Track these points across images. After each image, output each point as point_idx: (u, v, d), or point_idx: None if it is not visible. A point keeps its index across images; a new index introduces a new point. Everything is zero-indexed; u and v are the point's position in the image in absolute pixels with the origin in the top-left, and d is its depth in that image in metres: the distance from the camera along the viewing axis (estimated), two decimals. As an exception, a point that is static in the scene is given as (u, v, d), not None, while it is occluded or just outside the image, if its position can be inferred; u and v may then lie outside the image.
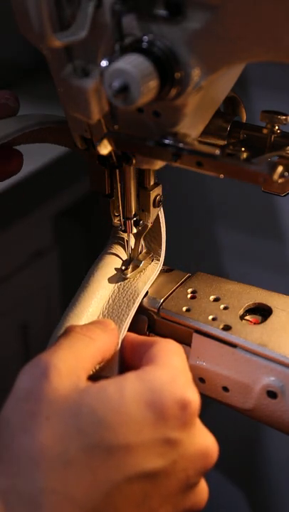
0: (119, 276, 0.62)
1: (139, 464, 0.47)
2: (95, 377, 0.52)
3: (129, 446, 0.46)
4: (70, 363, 0.49)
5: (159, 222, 0.64)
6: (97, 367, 0.53)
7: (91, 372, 0.51)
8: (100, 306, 0.59)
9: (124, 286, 0.61)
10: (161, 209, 0.64)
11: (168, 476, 0.48)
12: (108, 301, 0.60)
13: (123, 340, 0.56)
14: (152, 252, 0.64)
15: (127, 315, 0.58)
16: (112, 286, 0.61)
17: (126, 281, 0.61)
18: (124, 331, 0.57)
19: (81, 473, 0.46)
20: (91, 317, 0.58)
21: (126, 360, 0.55)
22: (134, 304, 0.59)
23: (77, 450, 0.46)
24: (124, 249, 0.64)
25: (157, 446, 0.47)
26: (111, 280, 0.61)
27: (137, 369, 0.53)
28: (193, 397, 0.49)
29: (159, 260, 0.64)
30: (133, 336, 0.57)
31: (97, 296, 0.60)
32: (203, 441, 0.50)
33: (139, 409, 0.47)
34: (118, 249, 0.64)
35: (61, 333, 0.53)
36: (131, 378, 0.49)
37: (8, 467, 0.46)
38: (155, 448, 0.47)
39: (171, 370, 0.50)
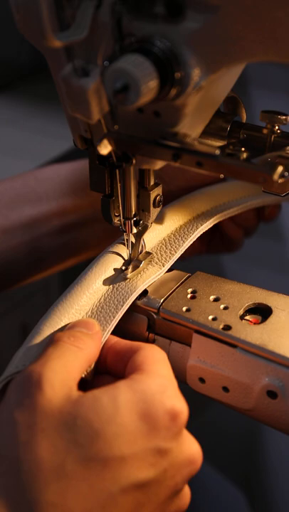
0: (119, 276, 0.62)
1: (132, 474, 0.47)
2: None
3: (124, 457, 0.47)
4: (62, 374, 0.49)
5: (186, 239, 0.65)
6: (84, 374, 0.53)
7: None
8: (91, 302, 0.59)
9: (120, 286, 0.61)
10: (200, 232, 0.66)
11: (159, 484, 0.49)
12: (100, 299, 0.60)
13: (106, 343, 0.56)
14: (156, 258, 0.64)
15: (114, 316, 0.58)
16: (108, 284, 0.61)
17: (123, 281, 0.61)
18: (108, 332, 0.57)
19: (78, 485, 0.46)
20: (80, 311, 0.58)
21: (108, 364, 0.55)
22: (122, 305, 0.59)
23: (73, 463, 0.46)
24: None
25: (149, 457, 0.48)
26: (109, 278, 0.61)
27: (120, 374, 0.54)
28: (183, 408, 0.50)
29: (161, 266, 0.63)
30: (116, 339, 0.56)
31: (90, 292, 0.59)
32: (190, 449, 0.51)
33: (133, 421, 0.48)
34: (119, 249, 0.64)
35: (48, 342, 0.53)
36: (123, 389, 0.49)
37: (5, 480, 0.46)
38: (147, 458, 0.48)
39: (160, 380, 0.50)
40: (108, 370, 0.55)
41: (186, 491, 0.53)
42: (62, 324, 0.56)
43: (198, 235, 0.66)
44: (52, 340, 0.53)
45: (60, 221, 0.78)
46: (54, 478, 0.46)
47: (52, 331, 0.56)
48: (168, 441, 0.49)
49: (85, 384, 0.53)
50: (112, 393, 0.48)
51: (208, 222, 0.67)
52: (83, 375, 0.53)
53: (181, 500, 0.52)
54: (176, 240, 0.66)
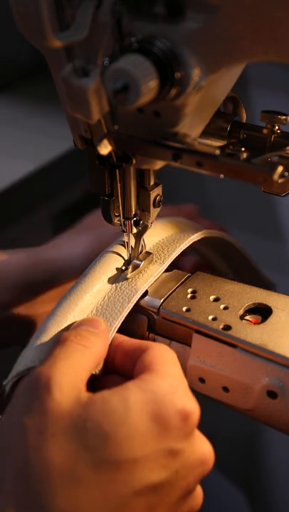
0: (119, 275, 0.62)
1: (145, 477, 0.47)
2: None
3: (136, 459, 0.46)
4: (70, 375, 0.49)
5: (182, 241, 0.65)
6: (94, 371, 0.53)
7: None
8: (95, 301, 0.59)
9: (122, 285, 0.61)
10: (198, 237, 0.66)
11: (171, 485, 0.48)
12: (104, 298, 0.60)
13: (113, 341, 0.56)
14: (155, 257, 0.64)
15: (120, 314, 0.58)
16: (110, 284, 0.61)
17: (125, 281, 0.61)
18: (114, 330, 0.57)
19: (90, 490, 0.45)
20: (84, 310, 0.58)
21: (116, 363, 0.55)
22: (128, 303, 0.59)
23: (85, 467, 0.45)
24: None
25: (161, 458, 0.47)
26: (110, 278, 0.61)
27: (128, 373, 0.53)
28: (194, 408, 0.49)
29: (161, 264, 0.63)
30: (124, 338, 0.56)
31: (93, 291, 0.59)
32: (202, 449, 0.50)
33: (144, 422, 0.47)
34: (120, 249, 0.64)
35: (55, 342, 0.53)
36: (133, 389, 0.48)
37: (16, 486, 0.45)
38: (159, 460, 0.47)
39: (170, 380, 0.50)
40: (116, 369, 0.55)
41: (199, 491, 0.52)
42: (69, 322, 0.56)
43: (196, 239, 0.66)
44: (59, 340, 0.52)
45: None
46: (65, 483, 0.45)
47: (58, 330, 0.56)
48: (179, 441, 0.48)
49: (94, 382, 0.52)
50: (122, 394, 0.48)
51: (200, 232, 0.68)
52: (93, 373, 0.52)
53: (194, 501, 0.52)
54: (174, 242, 0.66)
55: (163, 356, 0.52)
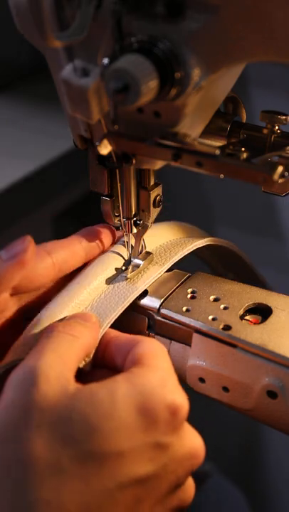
0: (119, 275, 0.62)
1: (131, 470, 0.46)
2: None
3: (121, 452, 0.46)
4: (57, 366, 0.49)
5: (185, 247, 0.65)
6: (81, 364, 0.53)
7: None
8: (91, 298, 0.59)
9: (120, 284, 0.61)
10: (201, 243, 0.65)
11: (158, 479, 0.48)
12: (100, 295, 0.60)
13: (105, 336, 0.56)
14: (156, 259, 0.64)
15: (114, 311, 0.58)
16: (108, 282, 0.61)
17: (124, 280, 0.61)
18: (106, 326, 0.56)
19: (74, 482, 0.45)
20: (79, 305, 0.58)
21: (106, 357, 0.55)
22: (124, 301, 0.59)
23: (69, 459, 0.45)
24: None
25: (148, 452, 0.47)
26: (109, 277, 0.61)
27: (119, 367, 0.53)
28: (183, 402, 0.49)
29: (161, 266, 0.63)
30: (116, 333, 0.56)
31: (91, 287, 0.59)
32: (192, 442, 0.50)
33: (131, 415, 0.47)
34: (120, 249, 0.64)
35: (42, 332, 0.53)
36: (121, 382, 0.48)
37: (1, 479, 0.45)
38: (146, 453, 0.47)
39: (160, 373, 0.49)
40: (106, 363, 0.55)
41: (190, 484, 0.52)
42: (61, 316, 0.56)
43: (200, 246, 0.66)
44: (47, 331, 0.52)
45: None
46: (50, 475, 0.45)
47: (51, 322, 0.56)
48: (168, 435, 0.48)
49: (82, 376, 0.52)
50: (109, 387, 0.48)
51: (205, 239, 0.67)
52: (80, 365, 0.52)
53: (184, 494, 0.51)
54: (178, 245, 0.66)
55: (153, 350, 0.52)
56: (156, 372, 0.49)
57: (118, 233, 0.65)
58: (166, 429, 0.48)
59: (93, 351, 0.54)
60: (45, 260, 0.59)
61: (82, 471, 0.45)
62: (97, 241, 0.62)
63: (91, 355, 0.54)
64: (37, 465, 0.45)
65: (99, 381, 0.49)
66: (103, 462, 0.46)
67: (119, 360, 0.53)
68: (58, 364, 0.49)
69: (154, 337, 0.61)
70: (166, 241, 0.67)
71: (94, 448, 0.46)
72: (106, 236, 0.63)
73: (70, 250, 0.60)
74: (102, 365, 0.55)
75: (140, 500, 0.47)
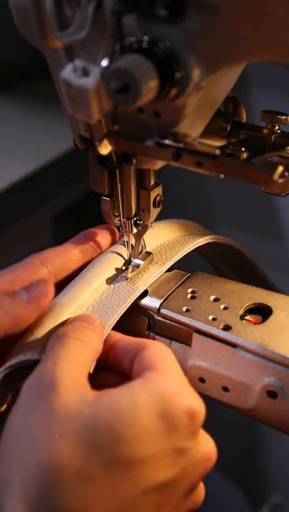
0: (119, 275, 0.62)
1: (153, 476, 0.46)
2: None
3: (145, 459, 0.46)
4: (73, 373, 0.49)
5: (185, 246, 0.65)
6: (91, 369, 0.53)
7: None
8: (92, 299, 0.59)
9: (121, 284, 0.61)
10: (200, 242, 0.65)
11: (177, 483, 0.48)
12: (101, 296, 0.60)
13: (108, 338, 0.56)
14: (156, 258, 0.64)
15: (116, 312, 0.58)
16: (109, 282, 0.61)
17: (124, 280, 0.61)
18: (109, 328, 0.57)
19: (101, 490, 0.45)
20: (81, 307, 0.58)
21: (110, 359, 0.55)
22: (125, 302, 0.59)
23: (95, 467, 0.45)
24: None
25: (169, 457, 0.47)
26: (110, 277, 0.61)
27: (126, 370, 0.53)
28: (201, 406, 0.49)
29: (161, 265, 0.63)
30: (119, 335, 0.56)
31: (92, 288, 0.59)
32: (206, 446, 0.50)
33: (152, 421, 0.47)
34: (120, 249, 0.64)
35: (54, 338, 0.53)
36: (140, 389, 0.48)
37: (26, 488, 0.45)
38: (167, 459, 0.47)
39: (175, 378, 0.50)
40: (110, 365, 0.55)
41: (201, 487, 0.52)
42: (64, 318, 0.56)
43: (200, 244, 0.66)
44: (57, 337, 0.52)
45: None
46: (76, 484, 0.45)
47: (53, 325, 0.56)
48: (187, 440, 0.48)
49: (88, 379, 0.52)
50: (129, 394, 0.48)
51: (206, 237, 0.67)
52: (90, 371, 0.53)
53: (197, 496, 0.52)
54: (178, 244, 0.66)
55: (162, 354, 0.52)
56: (171, 377, 0.50)
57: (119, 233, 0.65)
58: (186, 434, 0.48)
59: (99, 355, 0.54)
60: (40, 270, 0.59)
61: (109, 478, 0.45)
62: (94, 244, 0.62)
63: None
64: (64, 474, 0.45)
65: (103, 384, 0.49)
66: (128, 469, 0.46)
67: (125, 363, 0.54)
68: (74, 371, 0.49)
69: (154, 337, 0.61)
70: (166, 240, 0.67)
71: (119, 455, 0.46)
72: (104, 238, 0.63)
73: (66, 257, 0.60)
74: (106, 367, 0.55)
75: (161, 505, 0.48)
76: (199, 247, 0.67)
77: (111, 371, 0.55)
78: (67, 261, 0.60)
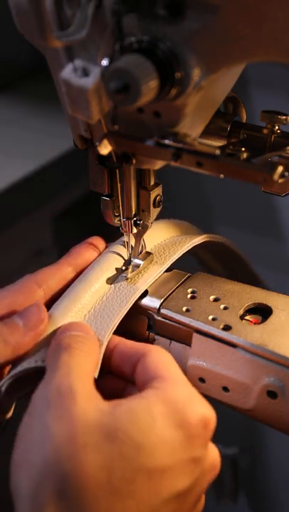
0: (119, 276, 0.62)
1: (173, 485, 0.47)
2: None
3: (165, 468, 0.47)
4: (86, 383, 0.49)
5: (184, 244, 0.65)
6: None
7: None
8: (93, 301, 0.59)
9: (121, 285, 0.61)
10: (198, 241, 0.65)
11: (191, 492, 0.49)
12: (102, 298, 0.60)
13: (109, 342, 0.56)
14: (156, 259, 0.64)
15: (117, 314, 0.58)
16: (109, 283, 0.61)
17: (124, 281, 0.61)
18: (111, 330, 0.57)
19: (125, 500, 0.45)
20: (82, 310, 0.58)
21: (112, 364, 0.55)
22: (126, 303, 0.59)
23: (119, 477, 0.45)
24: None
25: (186, 466, 0.48)
26: (110, 278, 0.61)
27: (127, 375, 0.54)
28: (212, 414, 0.50)
29: (161, 265, 0.63)
30: (120, 339, 0.56)
31: (92, 290, 0.59)
32: (214, 454, 0.51)
33: (171, 431, 0.47)
34: (120, 249, 0.64)
35: (58, 348, 0.53)
36: (154, 400, 0.48)
37: (50, 498, 0.44)
38: (185, 467, 0.48)
39: (184, 387, 0.50)
40: (112, 369, 0.55)
41: (203, 496, 0.53)
42: (65, 322, 0.56)
43: (197, 243, 0.66)
44: (62, 347, 0.52)
45: None
46: (102, 495, 0.45)
47: (55, 328, 0.56)
48: (201, 449, 0.49)
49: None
50: (145, 405, 0.48)
51: (202, 236, 0.67)
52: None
53: (200, 505, 0.52)
54: (176, 244, 0.66)
55: (164, 360, 0.52)
56: (180, 385, 0.50)
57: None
58: (201, 443, 0.49)
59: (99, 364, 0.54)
60: (36, 294, 0.59)
61: (132, 489, 0.45)
62: (87, 258, 0.63)
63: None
64: (89, 484, 0.45)
65: (106, 388, 0.50)
66: (150, 479, 0.46)
67: (127, 368, 0.54)
68: (86, 381, 0.49)
69: (154, 337, 0.61)
70: (163, 240, 0.67)
71: (141, 465, 0.46)
72: (94, 251, 0.63)
73: (60, 276, 0.61)
74: (107, 371, 0.55)
75: None
76: (195, 248, 0.67)
77: (112, 375, 0.55)
78: (61, 280, 0.61)
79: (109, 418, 0.47)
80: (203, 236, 0.67)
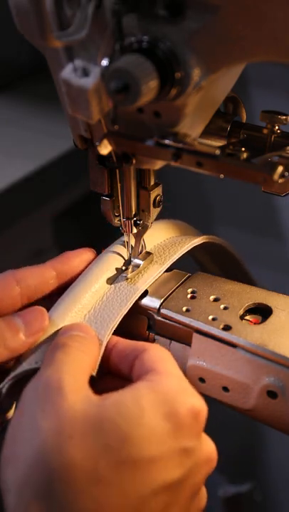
0: (119, 275, 0.62)
1: (162, 476, 0.47)
2: None
3: (153, 458, 0.46)
4: (77, 377, 0.49)
5: (184, 245, 0.65)
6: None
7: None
8: (93, 301, 0.59)
9: (121, 285, 0.61)
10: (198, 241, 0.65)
11: (184, 484, 0.49)
12: (102, 298, 0.60)
13: (108, 342, 0.56)
14: (156, 258, 0.64)
15: (117, 314, 0.58)
16: (109, 283, 0.61)
17: (124, 281, 0.61)
18: (111, 330, 0.57)
19: (112, 490, 0.45)
20: (82, 310, 0.58)
21: (110, 363, 0.55)
22: (126, 303, 0.59)
23: (106, 467, 0.45)
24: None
25: (176, 457, 0.48)
26: (110, 277, 0.61)
27: (125, 374, 0.54)
28: (203, 406, 0.50)
29: (161, 264, 0.63)
30: (117, 339, 0.56)
31: (92, 290, 0.59)
32: (209, 447, 0.51)
33: (159, 422, 0.47)
34: (120, 249, 0.64)
35: (54, 346, 0.53)
36: (144, 391, 0.49)
37: (38, 490, 0.45)
38: (175, 458, 0.48)
39: (177, 380, 0.50)
40: (110, 369, 0.55)
41: (204, 491, 0.53)
42: (66, 323, 0.56)
43: (197, 244, 0.66)
44: (58, 346, 0.52)
45: None
46: (88, 484, 0.45)
47: (55, 329, 0.56)
48: (192, 439, 0.48)
49: (90, 383, 0.52)
50: (134, 396, 0.48)
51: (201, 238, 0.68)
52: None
53: (200, 501, 0.52)
54: (175, 244, 0.66)
55: (162, 356, 0.52)
56: (173, 378, 0.50)
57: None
58: (191, 434, 0.48)
59: (98, 364, 0.54)
60: (12, 290, 0.58)
61: (118, 478, 0.46)
62: (73, 266, 0.61)
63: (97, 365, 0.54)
64: (75, 475, 0.45)
65: (105, 388, 0.50)
66: (137, 469, 0.46)
67: (124, 367, 0.54)
68: (77, 375, 0.49)
69: (154, 337, 0.61)
70: (162, 240, 0.67)
71: (128, 455, 0.46)
72: (82, 261, 0.62)
73: (41, 278, 0.60)
74: (106, 371, 0.55)
75: (169, 505, 0.48)
76: (193, 250, 0.67)
77: (111, 375, 0.55)
78: (42, 282, 0.60)
79: (96, 409, 0.47)
80: (202, 237, 0.67)
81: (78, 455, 0.45)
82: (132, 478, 0.46)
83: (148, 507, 0.46)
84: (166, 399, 0.48)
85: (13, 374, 0.54)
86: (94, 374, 0.53)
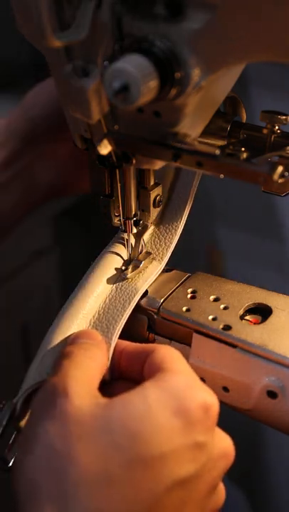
0: (119, 276, 0.62)
1: (174, 471, 0.47)
2: None
3: (164, 455, 0.46)
4: (84, 382, 0.49)
5: (177, 225, 0.65)
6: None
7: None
8: (97, 306, 0.59)
9: (122, 286, 0.61)
10: (187, 210, 0.65)
11: (199, 480, 0.49)
12: (105, 301, 0.60)
13: (116, 347, 0.56)
14: (154, 253, 0.64)
15: (122, 316, 0.58)
16: (110, 285, 0.61)
17: (125, 281, 0.61)
18: (118, 332, 0.57)
19: (124, 489, 0.45)
20: (87, 316, 0.58)
21: (122, 368, 0.55)
22: (129, 304, 0.59)
23: (116, 466, 0.45)
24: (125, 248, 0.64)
25: (188, 452, 0.48)
26: (110, 279, 0.61)
27: (135, 377, 0.54)
28: (214, 400, 0.49)
29: (160, 261, 0.64)
30: (126, 343, 0.56)
31: (94, 295, 0.60)
32: (224, 442, 0.51)
33: (167, 418, 0.47)
34: (119, 249, 0.64)
35: (61, 356, 0.53)
36: (151, 388, 0.49)
37: (50, 493, 0.45)
38: (187, 454, 0.47)
39: (186, 376, 0.50)
40: (122, 374, 0.55)
41: (221, 486, 0.53)
42: (72, 331, 0.57)
43: (185, 218, 0.66)
44: (64, 355, 0.53)
45: None
46: (99, 485, 0.45)
47: (63, 338, 0.56)
48: (204, 434, 0.48)
49: (103, 389, 0.52)
50: (141, 394, 0.48)
51: (187, 206, 0.67)
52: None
53: (218, 497, 0.52)
54: (167, 230, 0.65)
55: (171, 355, 0.52)
56: (181, 375, 0.50)
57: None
58: (202, 429, 0.48)
59: (106, 369, 0.55)
60: None
61: (130, 476, 0.46)
62: None
63: (108, 371, 0.55)
64: (86, 476, 0.45)
65: (118, 393, 0.50)
66: (148, 466, 0.46)
67: (135, 370, 0.54)
68: (84, 381, 0.50)
69: (154, 337, 0.61)
70: (152, 228, 0.66)
71: (138, 453, 0.46)
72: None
73: None
74: (118, 376, 0.55)
75: (184, 502, 0.48)
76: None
77: (124, 380, 0.55)
78: None
79: (104, 410, 0.47)
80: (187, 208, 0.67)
81: (88, 456, 0.45)
82: (143, 475, 0.46)
83: (162, 504, 0.46)
84: (175, 395, 0.48)
85: (25, 387, 0.55)
86: (106, 378, 0.53)
